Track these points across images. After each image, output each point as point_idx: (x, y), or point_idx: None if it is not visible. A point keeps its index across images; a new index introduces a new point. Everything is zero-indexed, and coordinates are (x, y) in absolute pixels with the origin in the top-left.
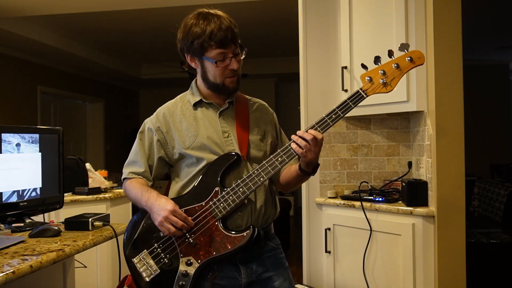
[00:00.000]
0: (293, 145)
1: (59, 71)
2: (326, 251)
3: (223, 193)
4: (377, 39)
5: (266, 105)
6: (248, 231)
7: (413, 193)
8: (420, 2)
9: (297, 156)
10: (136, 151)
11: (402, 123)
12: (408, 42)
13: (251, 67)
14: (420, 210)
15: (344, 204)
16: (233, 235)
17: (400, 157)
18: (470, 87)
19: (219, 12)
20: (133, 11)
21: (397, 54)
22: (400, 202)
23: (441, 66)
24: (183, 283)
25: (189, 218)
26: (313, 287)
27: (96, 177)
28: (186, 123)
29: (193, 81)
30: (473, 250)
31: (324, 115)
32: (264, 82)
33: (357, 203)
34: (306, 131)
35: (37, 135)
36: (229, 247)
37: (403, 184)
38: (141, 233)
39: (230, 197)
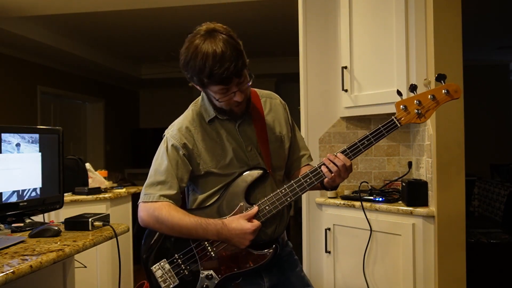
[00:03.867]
0: (324, 169)
1: (59, 71)
2: (326, 251)
3: (248, 209)
4: (377, 39)
5: (278, 98)
6: (271, 250)
7: (413, 193)
8: (420, 2)
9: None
10: (165, 171)
11: None
12: (408, 42)
13: (251, 67)
14: (420, 210)
15: (344, 204)
16: (256, 253)
17: (400, 157)
18: (470, 87)
19: (221, 36)
20: (133, 11)
21: (419, 85)
22: (400, 202)
23: (441, 66)
24: None
25: (257, 221)
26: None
27: (96, 177)
28: (210, 141)
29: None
30: (473, 250)
31: (356, 141)
32: (264, 82)
33: (357, 203)
34: (336, 155)
35: (37, 135)
36: (252, 264)
37: (403, 184)
38: (161, 241)
39: (256, 215)
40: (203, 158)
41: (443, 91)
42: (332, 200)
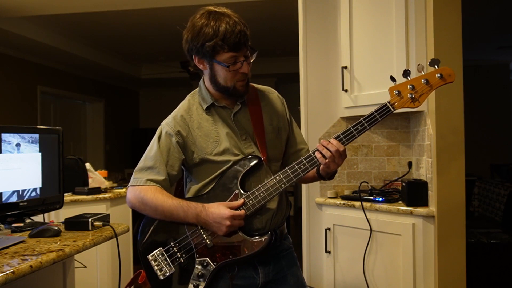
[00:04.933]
0: (318, 155)
1: (59, 71)
2: (326, 251)
3: (243, 197)
4: (377, 39)
5: (275, 93)
6: (266, 236)
7: (413, 193)
8: (420, 2)
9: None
10: (154, 157)
11: (402, 123)
12: (408, 42)
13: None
14: (420, 210)
15: (344, 204)
16: (251, 240)
17: (400, 157)
18: (470, 87)
19: (229, 12)
20: (133, 11)
21: (416, 70)
22: (400, 202)
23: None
24: (198, 283)
25: (242, 212)
26: (313, 287)
27: (96, 177)
28: (205, 129)
29: (201, 81)
30: (473, 250)
31: (350, 126)
32: (264, 82)
33: (357, 203)
34: (329, 141)
35: (37, 135)
36: (247, 251)
37: (403, 184)
38: (157, 230)
39: (250, 201)
40: (198, 146)
41: (437, 75)
42: (332, 200)
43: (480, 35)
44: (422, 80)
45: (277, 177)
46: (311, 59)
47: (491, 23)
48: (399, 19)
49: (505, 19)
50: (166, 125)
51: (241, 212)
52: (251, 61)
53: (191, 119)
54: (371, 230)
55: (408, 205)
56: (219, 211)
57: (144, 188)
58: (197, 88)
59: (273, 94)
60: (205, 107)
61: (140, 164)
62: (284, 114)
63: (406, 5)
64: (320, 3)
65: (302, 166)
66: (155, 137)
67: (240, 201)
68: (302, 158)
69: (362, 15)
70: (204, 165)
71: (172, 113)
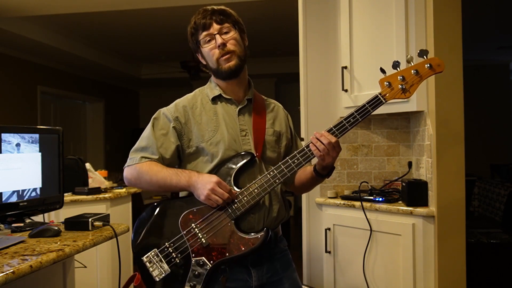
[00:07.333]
0: (312, 147)
1: (59, 71)
2: (326, 251)
3: (237, 193)
4: (377, 39)
5: (282, 106)
6: (262, 233)
7: (413, 193)
8: (420, 2)
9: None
10: (148, 137)
11: (402, 123)
12: (408, 42)
13: (251, 67)
14: (420, 210)
15: (344, 204)
16: (247, 237)
17: (400, 157)
18: (470, 87)
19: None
20: (133, 11)
21: (415, 60)
22: (400, 202)
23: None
24: (194, 283)
25: (232, 190)
26: (313, 287)
27: (96, 177)
28: (206, 117)
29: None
30: (473, 250)
31: (342, 119)
32: (264, 82)
33: (357, 203)
34: (322, 133)
35: (37, 135)
36: (243, 248)
37: (403, 184)
38: (151, 231)
39: (245, 198)
40: (196, 133)
41: (426, 65)
42: (332, 200)
43: (480, 35)
44: (412, 71)
45: (271, 173)
46: (311, 59)
47: (491, 23)
48: (399, 19)
49: (505, 19)
50: (166, 109)
51: (230, 188)
52: (234, 35)
53: (193, 107)
54: (371, 230)
55: (408, 205)
56: (209, 176)
57: (139, 164)
58: (208, 83)
59: (280, 106)
60: (211, 97)
61: (135, 146)
62: (287, 124)
63: (406, 5)
64: (320, 3)
65: (296, 160)
66: (151, 121)
67: (236, 190)
68: (295, 152)
69: (362, 15)
70: (198, 158)
71: (176, 101)
